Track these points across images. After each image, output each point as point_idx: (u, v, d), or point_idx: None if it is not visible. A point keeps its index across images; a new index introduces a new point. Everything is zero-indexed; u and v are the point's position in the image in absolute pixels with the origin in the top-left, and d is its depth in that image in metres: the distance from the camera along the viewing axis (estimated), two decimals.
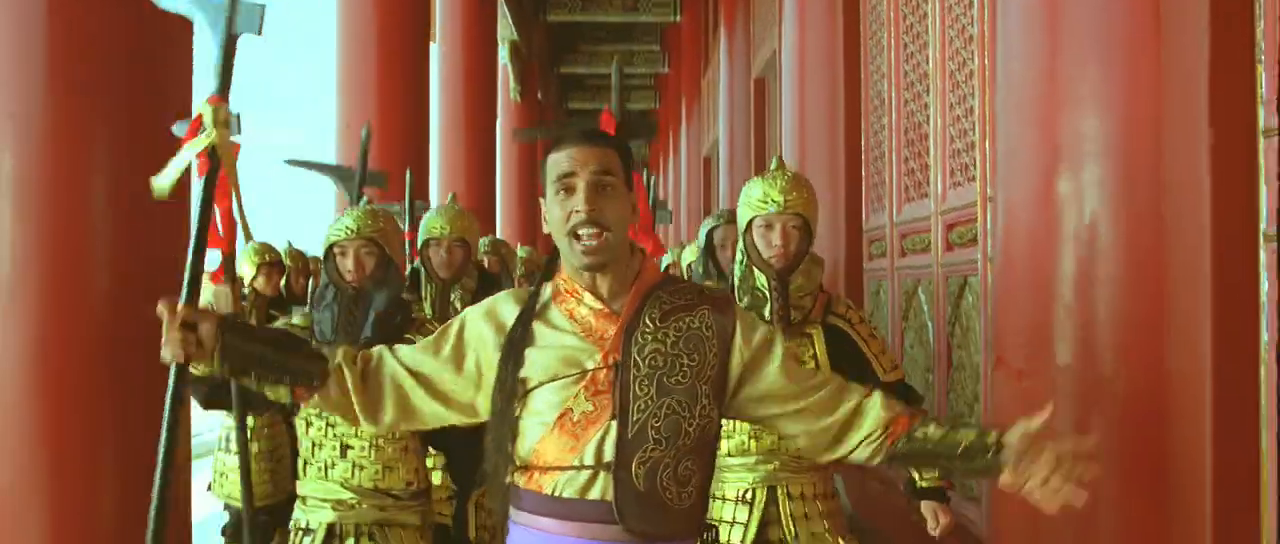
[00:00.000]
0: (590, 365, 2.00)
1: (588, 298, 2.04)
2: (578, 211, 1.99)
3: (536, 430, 2.01)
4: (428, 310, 4.13)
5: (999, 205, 4.18)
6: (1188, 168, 3.17)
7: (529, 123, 18.44)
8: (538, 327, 2.06)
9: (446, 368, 2.12)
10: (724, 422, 2.92)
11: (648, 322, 2.01)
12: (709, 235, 4.34)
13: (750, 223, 3.17)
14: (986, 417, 4.92)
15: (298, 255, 6.57)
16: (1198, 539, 3.20)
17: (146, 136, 3.15)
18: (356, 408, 2.13)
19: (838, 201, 7.50)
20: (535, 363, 2.03)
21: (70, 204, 3.62)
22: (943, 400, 5.75)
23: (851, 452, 2.09)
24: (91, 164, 3.67)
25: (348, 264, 3.17)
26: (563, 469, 1.97)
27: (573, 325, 2.04)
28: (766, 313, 3.09)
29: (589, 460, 1.97)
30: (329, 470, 3.15)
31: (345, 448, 3.14)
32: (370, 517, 3.15)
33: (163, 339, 1.97)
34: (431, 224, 4.35)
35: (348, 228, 3.20)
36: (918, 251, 6.26)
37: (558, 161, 2.03)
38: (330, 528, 3.13)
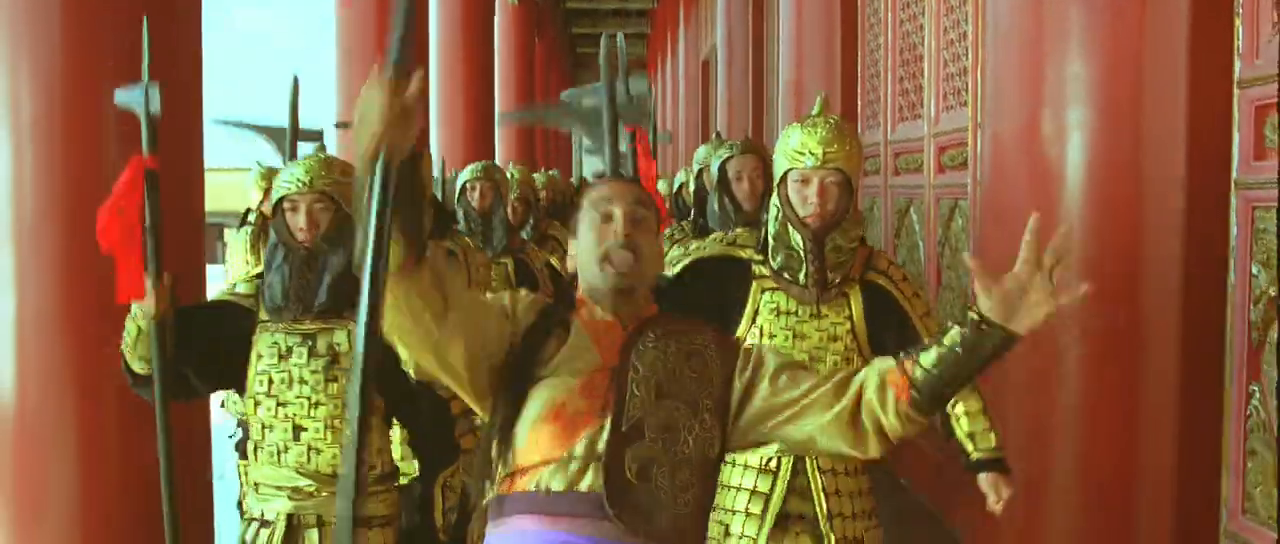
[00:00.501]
0: (590, 367, 1.99)
1: (598, 310, 2.06)
2: (617, 235, 2.02)
3: (527, 429, 1.96)
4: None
5: (986, 137, 4.30)
6: (1166, 114, 3.29)
7: (526, 28, 18.28)
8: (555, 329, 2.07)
9: (494, 306, 2.08)
10: None
11: (650, 334, 2.03)
12: (722, 168, 3.97)
13: (785, 175, 2.81)
14: None
15: None
16: (1163, 462, 3.39)
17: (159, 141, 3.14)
18: (439, 292, 1.95)
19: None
20: (543, 356, 2.01)
21: (84, 148, 3.71)
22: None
23: (876, 429, 1.96)
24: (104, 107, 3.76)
25: (299, 221, 2.78)
26: (551, 462, 1.92)
27: (582, 330, 2.05)
28: (801, 276, 2.79)
29: (579, 452, 1.92)
30: (282, 455, 2.79)
31: (298, 429, 2.78)
32: (332, 507, 2.70)
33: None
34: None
35: (299, 180, 2.78)
36: (911, 171, 6.38)
37: (597, 195, 2.09)
38: (290, 518, 2.79)
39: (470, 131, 11.62)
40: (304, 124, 3.91)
